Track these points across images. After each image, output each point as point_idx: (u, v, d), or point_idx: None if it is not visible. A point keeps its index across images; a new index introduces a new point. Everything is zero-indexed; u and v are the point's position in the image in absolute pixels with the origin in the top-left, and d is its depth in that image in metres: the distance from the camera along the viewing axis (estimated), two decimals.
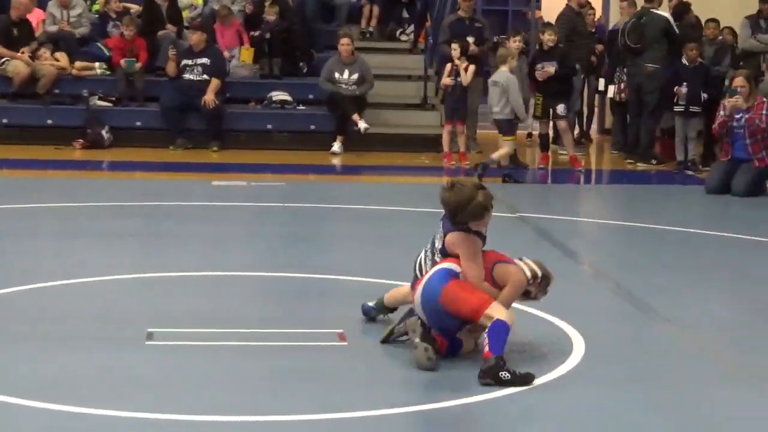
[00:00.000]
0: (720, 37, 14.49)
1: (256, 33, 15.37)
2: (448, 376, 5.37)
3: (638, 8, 14.73)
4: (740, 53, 14.61)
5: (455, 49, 13.69)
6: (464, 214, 5.64)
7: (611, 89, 15.19)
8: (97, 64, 15.15)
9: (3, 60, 14.80)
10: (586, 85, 16.04)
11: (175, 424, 4.75)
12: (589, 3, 16.25)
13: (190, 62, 14.65)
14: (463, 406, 5.04)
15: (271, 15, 15.32)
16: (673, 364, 5.85)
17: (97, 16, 16.03)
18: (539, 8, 16.39)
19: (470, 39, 14.11)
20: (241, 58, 15.52)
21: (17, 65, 14.75)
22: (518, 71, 13.61)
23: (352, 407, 4.96)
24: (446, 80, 13.65)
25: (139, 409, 4.85)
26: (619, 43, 14.59)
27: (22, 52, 14.78)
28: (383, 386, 5.27)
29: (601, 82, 15.80)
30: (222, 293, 7.17)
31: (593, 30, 16.05)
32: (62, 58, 15.04)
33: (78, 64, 15.05)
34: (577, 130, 16.07)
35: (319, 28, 16.24)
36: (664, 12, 14.30)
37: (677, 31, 14.14)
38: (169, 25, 15.61)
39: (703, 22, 14.89)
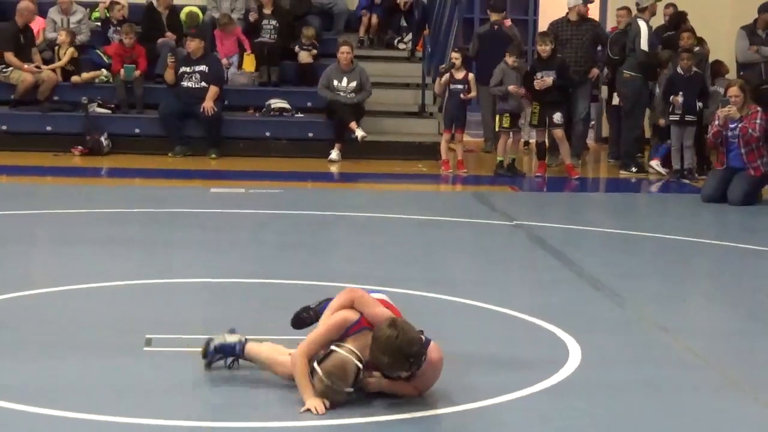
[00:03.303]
0: (697, 48, 14.44)
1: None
2: (446, 384, 5.36)
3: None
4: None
5: (456, 58, 13.75)
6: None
7: (616, 97, 15.19)
8: (104, 71, 15.18)
9: (8, 68, 14.84)
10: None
11: (173, 430, 4.74)
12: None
13: (188, 70, 14.66)
14: (462, 413, 5.05)
15: (306, 36, 15.58)
16: (669, 372, 5.84)
17: (98, 23, 16.05)
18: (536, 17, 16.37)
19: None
20: (244, 66, 15.58)
21: (23, 73, 14.78)
22: (515, 82, 13.68)
23: (350, 414, 4.96)
24: (441, 82, 13.80)
25: (136, 414, 4.84)
26: (606, 54, 14.80)
27: (37, 66, 14.90)
28: (379, 393, 5.25)
29: (604, 90, 15.81)
30: (220, 300, 7.18)
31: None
32: (69, 53, 15.09)
33: (84, 75, 15.09)
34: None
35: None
36: (644, 23, 14.32)
37: (645, 39, 14.16)
38: (168, 33, 15.63)
39: (698, 31, 14.87)
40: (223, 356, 5.38)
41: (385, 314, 5.13)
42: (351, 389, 4.99)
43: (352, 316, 5.19)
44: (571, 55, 14.28)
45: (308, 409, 4.89)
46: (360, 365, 5.00)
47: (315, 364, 4.99)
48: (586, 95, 14.88)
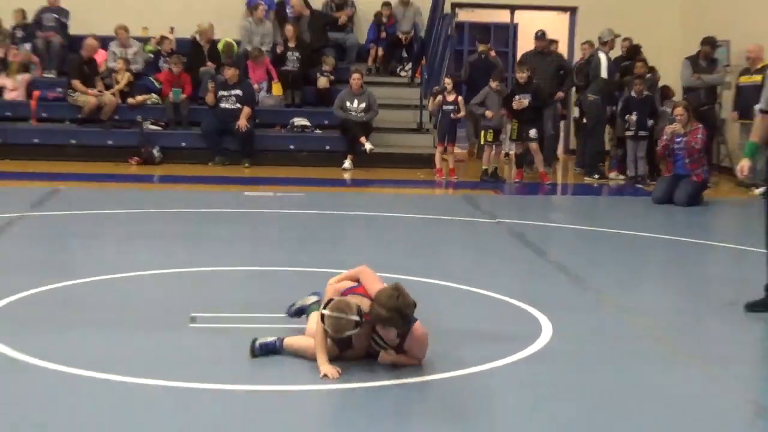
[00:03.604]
0: (649, 75, 14.44)
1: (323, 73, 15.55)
2: (439, 354, 5.37)
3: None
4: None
5: (448, 83, 13.82)
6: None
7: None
8: (153, 95, 15.23)
9: (75, 92, 14.90)
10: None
11: (212, 393, 4.76)
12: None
13: (225, 93, 14.69)
14: (452, 379, 5.05)
15: (327, 65, 15.59)
16: (625, 344, 5.85)
17: (150, 55, 16.09)
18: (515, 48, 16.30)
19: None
20: (274, 92, 15.61)
21: (88, 97, 14.83)
22: (496, 103, 13.70)
23: (357, 380, 4.97)
24: (435, 102, 13.92)
25: (183, 380, 4.86)
26: (571, 80, 14.89)
27: (99, 91, 14.94)
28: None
29: (576, 110, 15.79)
30: (253, 284, 7.20)
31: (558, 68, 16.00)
32: (124, 77, 15.13)
33: (138, 97, 15.14)
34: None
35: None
36: (603, 55, 14.36)
37: (605, 69, 14.20)
38: (209, 63, 15.66)
39: (650, 61, 14.86)
40: (266, 353, 5.29)
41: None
42: (357, 318, 5.01)
43: (348, 283, 5.38)
44: (538, 81, 14.29)
45: (325, 375, 4.93)
46: (359, 304, 5.06)
47: (322, 310, 5.07)
48: (551, 115, 14.91)
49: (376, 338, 5.16)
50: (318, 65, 15.76)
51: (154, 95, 15.28)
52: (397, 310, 4.95)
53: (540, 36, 14.99)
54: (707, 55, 14.53)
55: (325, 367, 4.99)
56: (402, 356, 5.14)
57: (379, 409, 4.65)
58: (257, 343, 5.28)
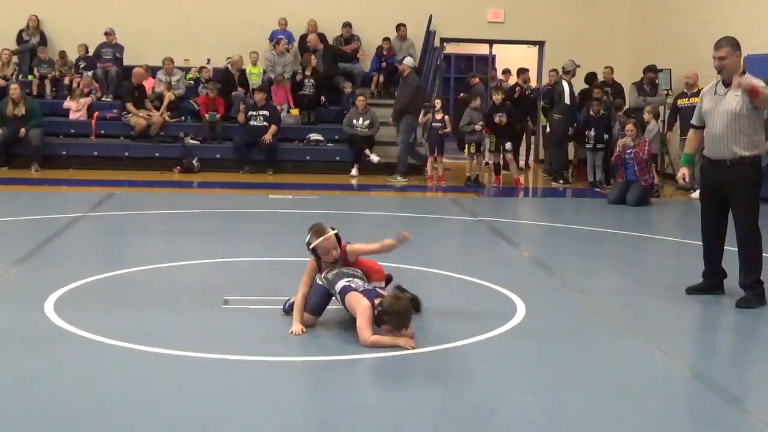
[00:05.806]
0: (605, 98, 14.41)
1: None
2: (427, 330, 5.34)
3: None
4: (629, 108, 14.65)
5: (437, 104, 13.80)
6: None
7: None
8: (186, 117, 15.23)
9: (128, 114, 14.89)
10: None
11: (241, 362, 4.75)
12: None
13: (254, 113, 14.67)
14: (440, 351, 5.02)
15: (347, 89, 15.53)
16: (586, 320, 5.84)
17: (191, 81, 16.08)
18: (494, 72, 16.20)
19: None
20: (292, 111, 15.60)
21: (138, 119, 14.82)
22: (478, 118, 13.67)
23: (361, 351, 4.96)
24: (422, 120, 13.89)
25: (216, 352, 4.85)
26: (540, 102, 14.94)
27: (149, 114, 14.91)
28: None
29: (548, 126, 15.78)
30: (276, 272, 7.17)
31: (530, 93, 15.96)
32: (169, 96, 15.12)
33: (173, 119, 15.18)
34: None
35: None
36: (566, 83, 14.37)
37: (567, 96, 14.21)
38: (239, 88, 15.64)
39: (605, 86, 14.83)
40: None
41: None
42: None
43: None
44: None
45: (292, 331, 5.19)
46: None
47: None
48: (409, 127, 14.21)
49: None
50: (330, 91, 15.73)
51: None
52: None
53: (399, 61, 14.99)
54: (650, 81, 14.51)
55: (295, 326, 5.22)
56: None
57: (381, 376, 4.65)
58: (287, 304, 5.59)
